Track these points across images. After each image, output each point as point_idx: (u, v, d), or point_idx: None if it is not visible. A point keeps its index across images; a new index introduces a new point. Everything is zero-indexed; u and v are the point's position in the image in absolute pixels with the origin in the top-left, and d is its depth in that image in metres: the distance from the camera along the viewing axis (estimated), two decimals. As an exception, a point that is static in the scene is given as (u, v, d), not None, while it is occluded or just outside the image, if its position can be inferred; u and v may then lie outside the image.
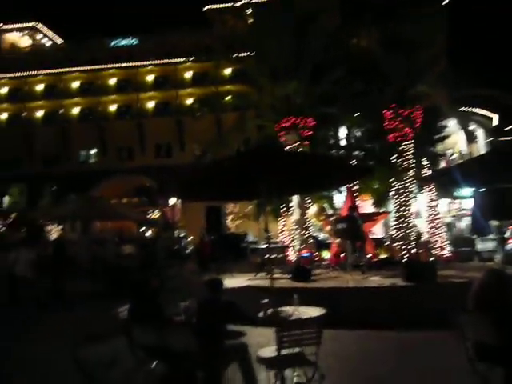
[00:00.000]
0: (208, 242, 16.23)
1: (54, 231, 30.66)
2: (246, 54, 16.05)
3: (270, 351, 4.51)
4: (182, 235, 25.80)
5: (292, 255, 13.56)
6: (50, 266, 12.39)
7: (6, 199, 36.88)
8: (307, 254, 12.53)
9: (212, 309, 4.48)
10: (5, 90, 40.58)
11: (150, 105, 39.10)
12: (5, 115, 40.49)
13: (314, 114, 13.50)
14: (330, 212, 14.16)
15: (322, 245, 14.24)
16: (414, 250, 11.74)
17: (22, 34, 44.06)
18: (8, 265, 11.72)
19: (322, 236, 15.19)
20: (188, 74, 38.62)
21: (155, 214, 31.38)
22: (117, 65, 38.31)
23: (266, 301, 4.75)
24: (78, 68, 38.75)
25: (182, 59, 34.63)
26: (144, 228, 30.42)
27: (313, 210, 13.38)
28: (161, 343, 4.66)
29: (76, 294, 12.19)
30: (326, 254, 13.42)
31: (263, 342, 5.61)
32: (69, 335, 6.44)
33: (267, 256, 9.71)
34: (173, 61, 37.50)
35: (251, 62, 15.01)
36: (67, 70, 38.77)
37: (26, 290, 11.35)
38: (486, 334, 3.62)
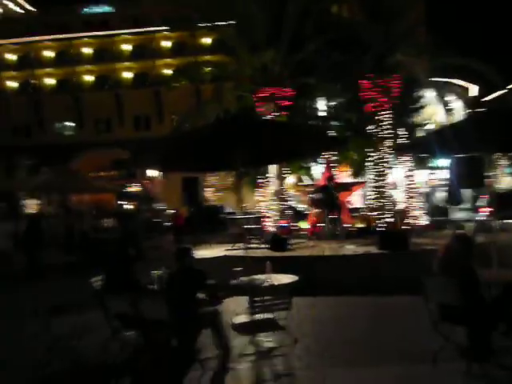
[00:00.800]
0: (181, 214, 16.24)
1: (31, 205, 30.09)
2: (224, 23, 15.70)
3: (243, 318, 4.59)
4: (162, 208, 25.67)
5: (270, 226, 13.64)
6: (25, 241, 12.25)
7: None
8: (285, 225, 12.63)
9: (182, 277, 4.50)
10: (-26, 59, 39.01)
11: (128, 75, 38.13)
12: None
13: (292, 84, 13.36)
14: (309, 183, 14.24)
15: (300, 215, 14.37)
16: (389, 220, 11.95)
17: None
18: None
19: (300, 207, 15.30)
20: (166, 44, 37.66)
21: (135, 187, 31.05)
22: (90, 33, 37.02)
23: (239, 269, 4.79)
24: (50, 37, 37.33)
25: (159, 28, 33.74)
26: (123, 201, 30.10)
27: (291, 180, 13.42)
28: (135, 313, 4.67)
29: (52, 267, 12.08)
30: (304, 224, 13.56)
31: (238, 310, 5.69)
32: (43, 307, 6.38)
33: (245, 227, 9.78)
34: (150, 29, 36.48)
35: (229, 31, 14.68)
36: (39, 38, 37.34)
37: (3, 262, 11.19)
38: (449, 296, 3.74)
